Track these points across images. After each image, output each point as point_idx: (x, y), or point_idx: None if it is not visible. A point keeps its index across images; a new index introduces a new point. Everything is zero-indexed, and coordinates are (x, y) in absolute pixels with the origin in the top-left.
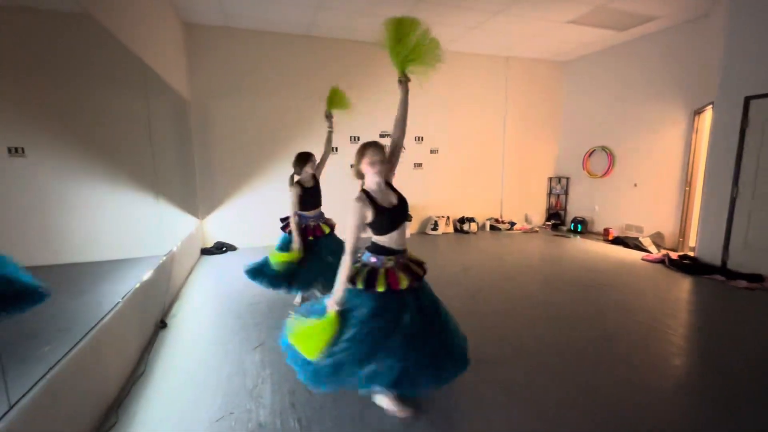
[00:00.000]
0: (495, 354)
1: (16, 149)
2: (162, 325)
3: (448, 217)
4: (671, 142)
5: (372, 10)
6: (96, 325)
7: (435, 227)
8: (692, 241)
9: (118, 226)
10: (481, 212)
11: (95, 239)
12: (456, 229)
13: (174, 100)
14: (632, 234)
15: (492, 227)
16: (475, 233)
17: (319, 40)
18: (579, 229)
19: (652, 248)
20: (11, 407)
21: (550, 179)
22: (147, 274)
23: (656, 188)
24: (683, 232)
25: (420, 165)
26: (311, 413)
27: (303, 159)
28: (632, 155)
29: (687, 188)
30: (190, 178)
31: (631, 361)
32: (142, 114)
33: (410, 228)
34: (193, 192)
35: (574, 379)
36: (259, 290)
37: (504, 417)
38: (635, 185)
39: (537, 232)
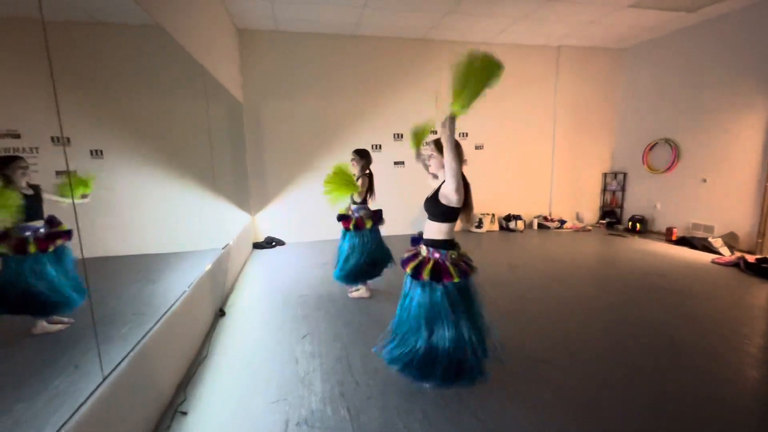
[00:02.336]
0: (547, 357)
1: (97, 151)
2: (221, 313)
3: (493, 215)
4: (748, 133)
5: (417, 5)
6: (168, 310)
7: (479, 225)
8: None
9: (182, 221)
10: (529, 210)
11: (162, 233)
12: (501, 227)
13: (229, 103)
14: (700, 234)
15: (540, 225)
16: (521, 231)
17: (365, 39)
18: (637, 229)
19: (724, 250)
20: (104, 379)
21: (605, 175)
22: (208, 266)
23: (730, 183)
24: (763, 232)
25: (464, 161)
26: (359, 403)
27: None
28: (701, 148)
29: (767, 184)
30: (243, 176)
31: (699, 371)
32: (202, 117)
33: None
34: (246, 189)
35: (634, 388)
36: (307, 284)
37: (557, 422)
38: (704, 180)
39: (590, 231)
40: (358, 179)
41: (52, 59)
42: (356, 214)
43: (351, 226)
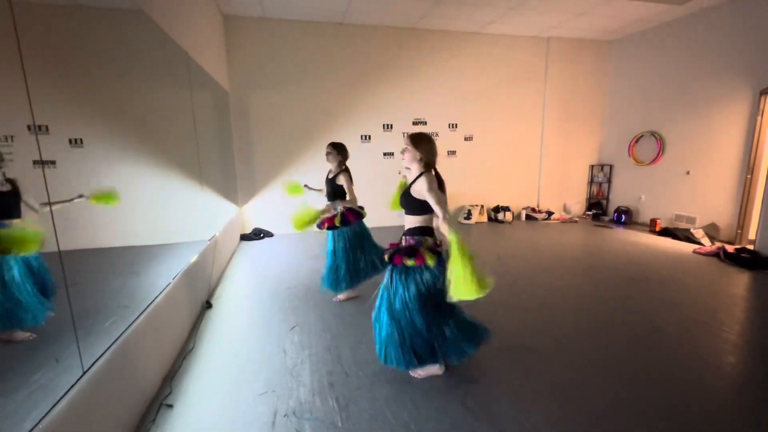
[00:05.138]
0: (535, 346)
1: (76, 140)
2: (208, 305)
3: (482, 206)
4: (731, 126)
5: None
6: (152, 302)
7: (468, 216)
8: (752, 233)
9: (167, 212)
10: (517, 201)
11: (146, 224)
12: (490, 219)
13: (215, 92)
14: (683, 225)
15: (528, 217)
16: (510, 223)
17: (354, 28)
18: (622, 220)
19: (705, 240)
20: (84, 372)
21: (592, 167)
22: (193, 258)
23: (712, 176)
24: (742, 223)
25: (454, 152)
26: (348, 393)
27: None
28: (685, 141)
29: (749, 176)
30: (230, 167)
31: (680, 357)
32: (187, 105)
33: None
34: (233, 180)
35: (619, 374)
36: (295, 275)
37: (544, 410)
38: (688, 173)
39: (576, 222)
40: (336, 175)
41: (26, 44)
42: (337, 209)
43: (337, 223)
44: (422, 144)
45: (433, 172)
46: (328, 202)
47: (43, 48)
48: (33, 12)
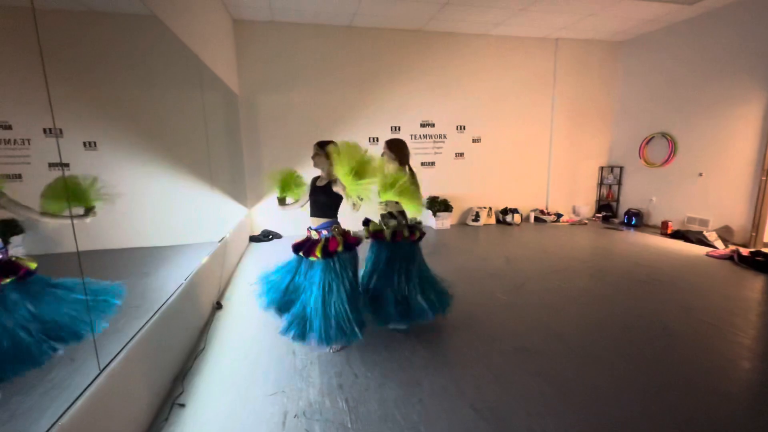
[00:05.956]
0: (543, 347)
1: (90, 143)
2: (218, 306)
3: (490, 208)
4: (744, 127)
5: None
6: (165, 302)
7: (476, 218)
8: (767, 236)
9: (178, 214)
10: (526, 203)
11: (158, 226)
12: (498, 221)
13: (225, 95)
14: (695, 227)
15: (537, 219)
16: (518, 225)
17: (362, 30)
18: (633, 222)
19: (719, 243)
20: (101, 371)
21: (602, 169)
22: (204, 259)
23: (725, 178)
24: (757, 226)
25: (461, 155)
26: (357, 394)
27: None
28: (697, 142)
29: (763, 178)
30: (239, 169)
31: (693, 361)
32: (198, 108)
33: (450, 219)
34: (242, 182)
35: (629, 378)
36: None
37: (554, 414)
38: (700, 174)
39: (586, 224)
40: (331, 183)
41: (44, 49)
42: (325, 233)
43: (318, 253)
44: (395, 147)
45: (407, 169)
46: (319, 222)
47: (58, 53)
48: (51, 18)
